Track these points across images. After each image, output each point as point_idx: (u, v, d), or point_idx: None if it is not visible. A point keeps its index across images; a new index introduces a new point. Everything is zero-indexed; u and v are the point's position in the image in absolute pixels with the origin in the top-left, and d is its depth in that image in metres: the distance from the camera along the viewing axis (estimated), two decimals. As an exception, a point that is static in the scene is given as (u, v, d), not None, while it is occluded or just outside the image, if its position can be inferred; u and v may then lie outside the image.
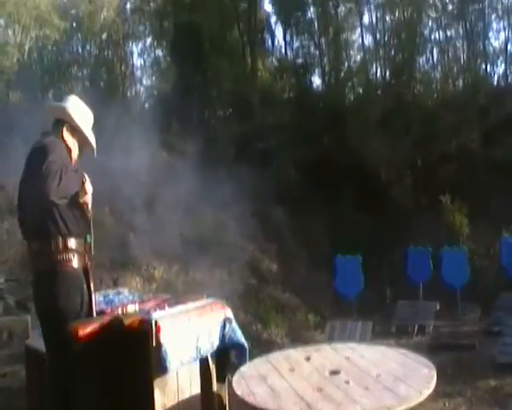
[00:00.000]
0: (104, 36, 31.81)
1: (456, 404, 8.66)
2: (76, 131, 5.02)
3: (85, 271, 4.84)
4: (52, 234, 4.61)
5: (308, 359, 5.40)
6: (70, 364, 4.67)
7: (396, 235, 18.58)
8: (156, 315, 4.97)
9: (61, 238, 4.63)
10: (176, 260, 17.89)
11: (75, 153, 5.06)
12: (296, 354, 5.68)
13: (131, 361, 4.92)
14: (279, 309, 17.08)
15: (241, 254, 19.01)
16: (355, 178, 20.85)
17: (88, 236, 4.90)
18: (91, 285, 4.86)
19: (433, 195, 19.31)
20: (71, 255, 4.66)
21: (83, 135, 5.07)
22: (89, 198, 4.82)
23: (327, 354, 5.56)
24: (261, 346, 12.94)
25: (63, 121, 4.99)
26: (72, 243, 4.69)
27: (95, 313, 4.91)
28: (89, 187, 4.81)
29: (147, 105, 30.82)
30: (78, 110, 5.08)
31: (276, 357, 5.70)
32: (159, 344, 4.74)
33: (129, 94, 32.28)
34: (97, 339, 4.64)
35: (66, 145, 4.95)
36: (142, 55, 34.29)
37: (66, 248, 4.65)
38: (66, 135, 4.95)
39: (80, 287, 4.72)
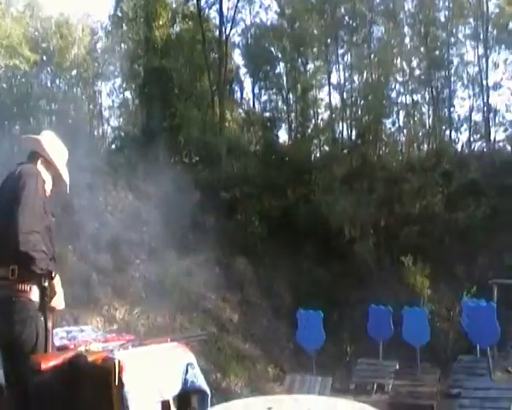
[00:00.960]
0: (74, 72, 31.84)
1: None
2: (50, 165, 5.01)
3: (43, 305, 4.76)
4: (13, 262, 4.58)
5: (269, 409, 5.36)
6: (28, 396, 4.64)
7: (358, 292, 18.74)
8: (120, 354, 4.97)
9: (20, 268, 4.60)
10: (138, 302, 17.81)
11: (48, 187, 5.07)
12: (257, 403, 5.62)
13: (92, 399, 4.90)
14: (239, 359, 17.09)
15: (203, 301, 19.02)
16: (319, 233, 21.03)
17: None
18: (48, 321, 4.76)
19: (395, 254, 19.56)
20: (28, 287, 4.62)
21: (56, 170, 5.09)
22: (59, 300, 4.81)
23: (288, 406, 5.51)
24: (220, 394, 12.93)
25: (38, 154, 5.01)
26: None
27: (51, 349, 4.87)
28: (59, 288, 4.87)
29: (113, 146, 30.76)
30: (54, 145, 5.09)
31: (237, 405, 5.66)
32: (121, 384, 4.73)
33: (96, 133, 32.30)
34: (59, 373, 4.63)
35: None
36: (110, 95, 34.55)
37: (24, 279, 4.61)
38: (41, 168, 4.95)
39: (36, 319, 4.66)
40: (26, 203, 4.41)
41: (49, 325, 4.69)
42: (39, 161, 4.95)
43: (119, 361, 4.70)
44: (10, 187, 4.62)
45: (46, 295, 4.60)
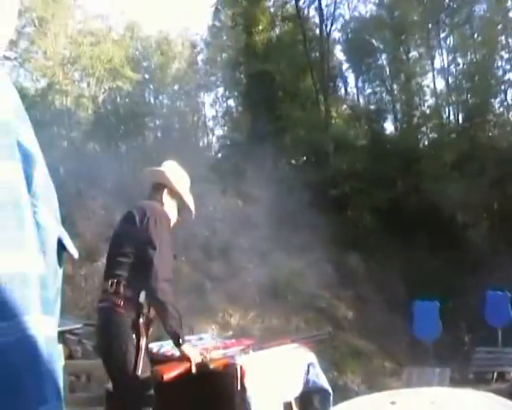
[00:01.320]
0: (176, 87, 32.46)
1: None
2: (175, 195, 5.09)
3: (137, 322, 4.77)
4: (120, 277, 4.65)
5: (393, 403, 5.30)
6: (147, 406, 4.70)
7: (473, 279, 18.29)
8: (241, 359, 5.02)
9: (125, 283, 4.65)
10: (252, 307, 17.92)
11: (174, 216, 5.14)
12: (381, 397, 5.58)
13: (216, 405, 4.96)
14: (355, 356, 16.97)
15: (317, 301, 18.97)
16: (430, 222, 20.66)
17: None
18: (141, 339, 4.73)
19: (510, 237, 18.97)
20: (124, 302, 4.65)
21: (183, 200, 5.15)
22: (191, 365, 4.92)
23: (411, 399, 5.44)
24: (337, 393, 12.82)
25: (163, 186, 5.07)
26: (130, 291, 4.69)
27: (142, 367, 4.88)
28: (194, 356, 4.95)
29: (220, 155, 31.15)
30: (177, 175, 5.15)
31: (361, 401, 5.61)
32: (243, 388, 4.76)
33: (201, 144, 32.79)
34: (182, 383, 4.69)
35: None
36: (214, 105, 34.97)
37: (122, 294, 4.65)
38: (166, 199, 5.01)
39: (131, 335, 4.66)
40: (162, 251, 4.50)
41: (142, 343, 4.73)
42: (165, 192, 5.03)
43: (241, 366, 4.78)
44: (134, 223, 4.68)
45: (142, 312, 4.71)
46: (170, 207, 5.01)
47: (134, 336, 4.57)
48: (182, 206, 5.17)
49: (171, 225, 4.99)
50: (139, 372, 4.47)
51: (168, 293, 4.47)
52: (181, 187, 5.10)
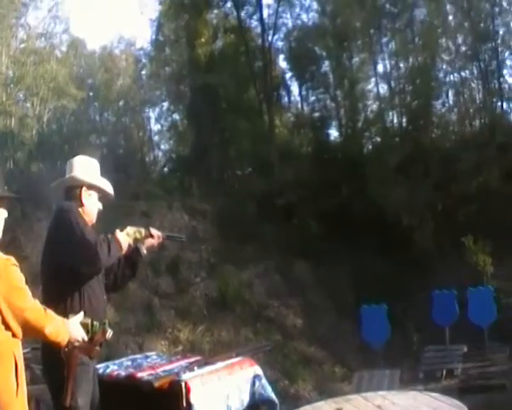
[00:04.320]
0: (121, 103, 32.36)
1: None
2: (92, 188, 4.99)
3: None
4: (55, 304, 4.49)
5: None
6: None
7: (419, 279, 18.40)
8: (186, 376, 5.00)
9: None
10: (201, 321, 17.89)
11: (96, 206, 5.03)
12: (326, 406, 5.56)
13: None
14: (306, 363, 16.99)
15: (266, 311, 18.99)
16: (376, 225, 20.79)
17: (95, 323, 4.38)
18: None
19: (455, 237, 19.11)
20: None
21: (100, 189, 5.05)
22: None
23: (358, 404, 5.42)
24: (289, 401, 12.86)
25: (76, 187, 4.97)
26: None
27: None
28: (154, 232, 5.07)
29: (166, 169, 31.11)
30: (85, 169, 5.05)
31: None
32: (189, 405, 4.75)
33: (147, 159, 32.70)
34: (127, 403, 4.67)
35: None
36: (159, 119, 34.95)
37: None
38: (85, 198, 4.92)
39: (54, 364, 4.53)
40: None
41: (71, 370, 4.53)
42: (82, 192, 4.91)
43: (186, 383, 4.79)
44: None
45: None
46: (91, 204, 4.96)
47: (61, 364, 4.43)
48: (102, 195, 5.12)
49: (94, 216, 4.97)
50: (66, 403, 4.34)
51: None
52: (94, 178, 5.04)
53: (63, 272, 4.52)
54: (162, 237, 5.26)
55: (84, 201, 4.87)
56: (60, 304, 4.34)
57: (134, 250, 5.08)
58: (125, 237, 4.87)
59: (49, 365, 4.57)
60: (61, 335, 3.82)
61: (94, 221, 5.00)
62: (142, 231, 5.05)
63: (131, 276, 5.28)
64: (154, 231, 5.13)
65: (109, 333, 4.60)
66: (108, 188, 5.09)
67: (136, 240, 4.99)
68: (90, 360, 4.56)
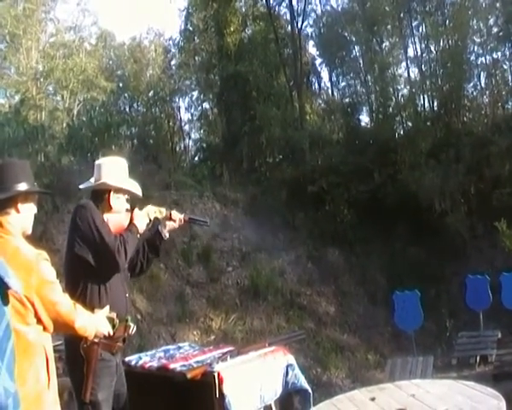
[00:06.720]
0: (151, 93, 32.43)
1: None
2: (120, 192, 4.99)
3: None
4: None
5: (373, 399, 5.24)
6: None
7: (452, 265, 18.31)
8: (218, 367, 5.01)
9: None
10: (233, 309, 17.89)
11: (124, 209, 5.04)
12: (360, 395, 5.50)
13: None
14: (338, 351, 16.93)
15: (298, 298, 18.96)
16: (408, 211, 20.58)
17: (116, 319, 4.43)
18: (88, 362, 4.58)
19: (488, 221, 18.90)
20: None
21: (129, 192, 5.06)
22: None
23: (391, 393, 5.36)
24: (321, 389, 12.83)
25: (106, 191, 4.96)
26: None
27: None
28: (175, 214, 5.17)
29: (196, 158, 31.15)
30: (113, 172, 5.03)
31: (341, 400, 5.55)
32: (222, 395, 4.75)
33: (178, 149, 32.74)
34: (159, 393, 4.69)
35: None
36: (189, 109, 34.93)
37: None
38: (113, 201, 4.92)
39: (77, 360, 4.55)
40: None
41: (91, 366, 4.55)
42: (111, 196, 4.92)
43: (219, 373, 4.80)
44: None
45: None
46: (119, 206, 4.98)
47: (81, 360, 4.45)
48: (130, 195, 5.13)
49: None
50: (86, 399, 4.35)
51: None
52: (123, 181, 5.04)
53: (81, 267, 4.54)
54: (184, 220, 5.32)
55: (112, 204, 4.89)
56: (79, 299, 4.32)
57: (156, 234, 5.17)
58: (145, 216, 4.97)
59: (71, 361, 4.61)
60: (88, 329, 3.92)
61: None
62: (164, 210, 5.14)
63: (155, 257, 5.37)
64: (174, 214, 5.19)
65: (132, 329, 4.61)
66: (136, 189, 5.10)
67: (156, 219, 5.06)
68: (112, 356, 4.57)
